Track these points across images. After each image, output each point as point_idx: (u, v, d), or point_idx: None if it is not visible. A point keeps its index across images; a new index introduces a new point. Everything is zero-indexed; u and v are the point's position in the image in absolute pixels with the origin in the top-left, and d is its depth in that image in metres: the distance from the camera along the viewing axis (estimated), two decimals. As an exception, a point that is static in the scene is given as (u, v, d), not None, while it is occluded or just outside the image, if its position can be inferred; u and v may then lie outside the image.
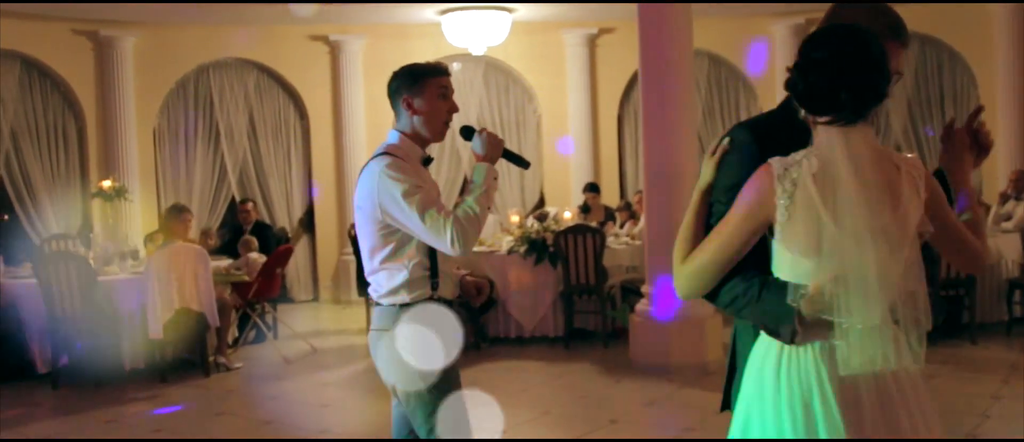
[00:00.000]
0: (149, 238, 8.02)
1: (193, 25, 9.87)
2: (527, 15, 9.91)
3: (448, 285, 2.84)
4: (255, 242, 8.12)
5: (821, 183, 1.69)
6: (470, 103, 10.63)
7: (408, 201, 2.65)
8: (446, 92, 2.85)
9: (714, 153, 1.91)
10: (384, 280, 2.77)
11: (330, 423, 5.52)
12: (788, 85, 1.77)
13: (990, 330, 7.17)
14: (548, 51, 10.72)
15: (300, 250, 10.65)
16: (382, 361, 2.81)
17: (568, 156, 10.86)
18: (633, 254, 7.91)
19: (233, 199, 10.23)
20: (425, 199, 2.68)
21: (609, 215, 9.57)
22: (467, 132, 2.92)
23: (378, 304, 2.81)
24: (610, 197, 10.57)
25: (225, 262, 7.84)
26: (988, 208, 8.25)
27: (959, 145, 2.06)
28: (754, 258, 1.78)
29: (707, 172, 1.91)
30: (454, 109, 2.87)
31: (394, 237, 2.74)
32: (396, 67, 2.90)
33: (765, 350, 1.79)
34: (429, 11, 9.59)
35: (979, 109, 2.15)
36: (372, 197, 2.72)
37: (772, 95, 9.65)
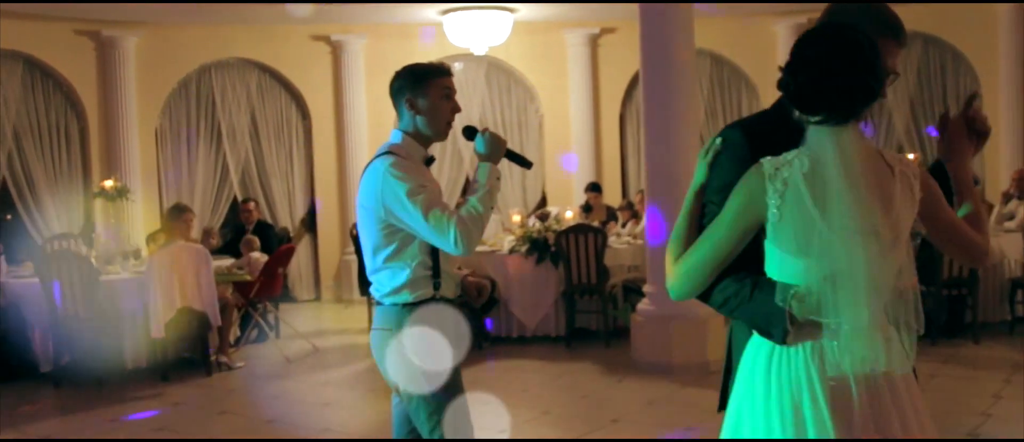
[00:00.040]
0: (151, 238, 8.03)
1: (195, 25, 9.88)
2: (529, 15, 9.91)
3: (450, 285, 2.84)
4: (257, 241, 8.13)
5: (812, 183, 1.68)
6: (472, 103, 10.63)
7: (412, 200, 2.66)
8: (449, 92, 2.86)
9: (707, 153, 1.91)
10: (387, 279, 2.78)
11: (332, 422, 5.52)
12: (780, 85, 1.77)
13: (992, 329, 7.16)
14: (550, 51, 10.72)
15: (302, 250, 10.66)
16: (385, 360, 2.81)
17: (571, 154, 10.86)
18: (635, 253, 7.91)
19: (235, 199, 10.24)
20: (429, 199, 2.68)
21: (611, 214, 9.57)
22: (470, 132, 2.92)
23: (380, 303, 2.82)
24: (612, 196, 10.57)
25: (227, 261, 7.85)
26: (991, 207, 8.23)
27: (956, 134, 2.04)
28: (748, 258, 1.78)
29: (700, 172, 1.91)
30: (457, 109, 2.88)
31: (397, 236, 2.74)
32: (398, 67, 2.90)
33: (756, 350, 1.79)
34: (431, 11, 9.59)
35: (973, 96, 2.14)
36: (376, 196, 2.72)
37: (775, 95, 9.64)
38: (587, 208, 9.47)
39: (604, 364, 6.68)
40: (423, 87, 2.81)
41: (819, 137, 1.72)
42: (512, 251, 7.60)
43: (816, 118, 1.72)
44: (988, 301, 7.29)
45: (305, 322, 8.86)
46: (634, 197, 9.84)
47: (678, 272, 1.83)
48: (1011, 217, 7.93)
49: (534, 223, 8.01)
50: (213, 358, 6.88)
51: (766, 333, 1.76)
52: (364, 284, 7.63)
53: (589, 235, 7.35)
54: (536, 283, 7.51)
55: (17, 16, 8.95)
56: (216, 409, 5.93)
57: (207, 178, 10.37)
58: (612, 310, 7.53)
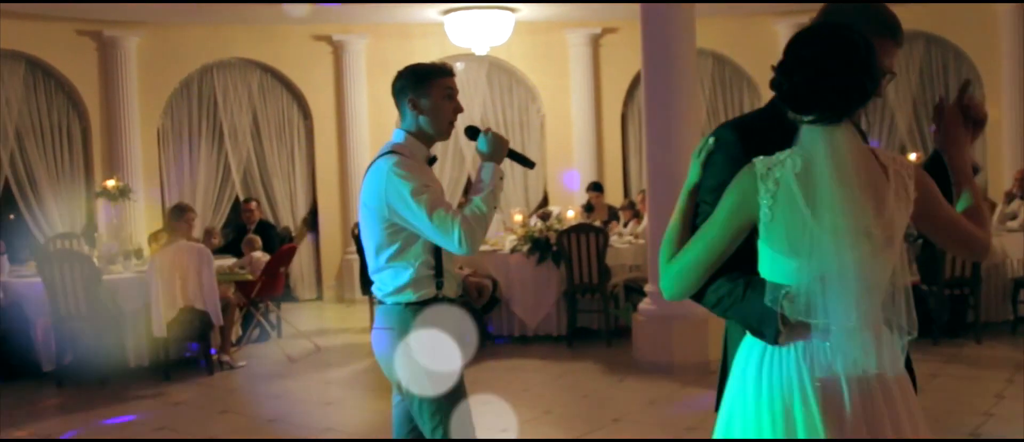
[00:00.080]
0: (153, 237, 8.04)
1: (196, 25, 9.89)
2: (530, 15, 9.91)
3: (452, 285, 2.85)
4: (259, 241, 8.14)
5: (804, 183, 1.67)
6: (474, 103, 10.63)
7: (417, 200, 2.66)
8: (451, 92, 2.86)
9: (700, 153, 1.91)
10: (389, 278, 2.78)
11: (333, 421, 5.52)
12: (773, 85, 1.75)
13: (995, 329, 7.15)
14: (551, 51, 10.72)
15: (304, 249, 10.67)
16: (388, 360, 2.81)
17: (572, 156, 10.85)
18: (636, 253, 7.91)
19: (237, 198, 10.25)
20: (433, 198, 2.69)
21: (612, 214, 9.57)
22: (472, 132, 2.93)
23: (382, 302, 2.82)
24: (614, 196, 10.57)
25: (229, 261, 7.86)
26: (994, 205, 8.22)
27: (952, 123, 2.02)
28: (741, 258, 1.77)
29: (694, 172, 1.90)
30: (459, 109, 2.88)
31: (400, 235, 2.75)
32: (399, 67, 2.91)
33: (749, 350, 1.78)
34: (432, 11, 9.59)
35: (967, 83, 2.11)
36: (380, 195, 2.72)
37: (776, 94, 9.63)
38: (589, 208, 9.47)
39: (605, 364, 6.68)
40: (425, 87, 2.82)
41: (812, 137, 1.70)
42: (514, 250, 7.60)
43: (809, 118, 1.71)
44: (990, 301, 7.28)
45: (307, 321, 8.86)
46: (636, 197, 9.84)
47: (671, 272, 1.82)
48: (1014, 217, 7.91)
49: (536, 222, 8.01)
50: (215, 357, 6.89)
51: (758, 333, 1.75)
52: (366, 283, 7.64)
53: (590, 235, 7.35)
54: (537, 282, 7.52)
55: (19, 16, 8.96)
56: (218, 408, 5.94)
57: (209, 178, 10.38)
58: (613, 310, 7.53)
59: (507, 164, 2.90)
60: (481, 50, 9.83)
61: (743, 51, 10.64)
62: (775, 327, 1.70)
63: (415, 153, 2.82)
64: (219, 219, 10.34)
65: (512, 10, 9.61)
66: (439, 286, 2.79)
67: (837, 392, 1.67)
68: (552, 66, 10.78)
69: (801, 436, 1.67)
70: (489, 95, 10.94)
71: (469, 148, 10.60)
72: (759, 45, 10.37)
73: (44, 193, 9.58)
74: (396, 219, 2.72)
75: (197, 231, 8.35)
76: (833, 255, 1.65)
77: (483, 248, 7.62)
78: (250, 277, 7.59)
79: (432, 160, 2.91)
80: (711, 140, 1.91)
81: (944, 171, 2.01)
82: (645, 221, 7.79)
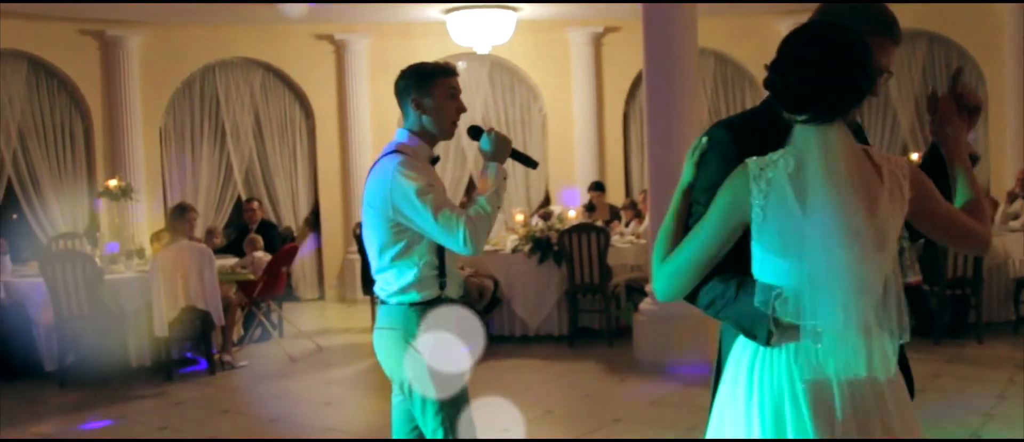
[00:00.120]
0: (155, 237, 8.05)
1: (198, 25, 9.90)
2: (532, 14, 9.90)
3: (454, 285, 2.85)
4: (260, 241, 8.15)
5: (797, 183, 1.66)
6: (475, 102, 10.62)
7: (422, 200, 2.67)
8: (454, 92, 2.87)
9: (694, 152, 1.89)
10: (393, 278, 2.78)
11: (335, 421, 5.53)
12: (766, 83, 1.74)
13: (997, 329, 7.13)
14: (553, 50, 10.71)
15: (312, 238, 10.68)
16: (393, 360, 2.81)
17: (574, 155, 10.85)
18: (637, 253, 7.91)
19: (239, 198, 10.26)
20: (439, 199, 2.69)
21: (614, 214, 9.57)
22: (475, 132, 2.93)
23: (384, 302, 2.82)
24: (615, 196, 10.56)
25: (231, 261, 7.87)
26: (996, 204, 8.20)
27: (946, 113, 2.00)
28: (735, 259, 1.76)
29: (687, 172, 1.89)
30: (462, 109, 2.89)
31: (405, 235, 2.75)
32: (401, 66, 2.91)
33: (741, 351, 1.78)
34: (434, 10, 9.59)
35: (959, 71, 2.09)
36: (385, 195, 2.73)
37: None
38: (590, 207, 9.47)
39: (607, 363, 6.68)
40: (428, 87, 2.82)
41: (805, 136, 1.69)
42: (515, 250, 7.60)
43: (802, 117, 1.70)
44: (992, 301, 7.26)
45: (308, 321, 8.87)
46: (637, 196, 9.84)
47: (664, 273, 1.81)
48: (1016, 216, 7.89)
49: (537, 222, 8.01)
50: (217, 357, 6.90)
51: (750, 334, 1.74)
52: (368, 283, 7.65)
53: (592, 234, 7.35)
54: (539, 282, 7.52)
55: (21, 16, 8.97)
56: (219, 408, 5.94)
57: (211, 177, 10.39)
58: (615, 309, 7.53)
59: (509, 164, 2.91)
60: (483, 49, 9.82)
61: (745, 50, 10.62)
62: (767, 328, 1.69)
63: (419, 153, 2.83)
64: (221, 219, 10.35)
65: (514, 9, 9.60)
66: (442, 286, 2.80)
67: (828, 394, 1.66)
68: (554, 65, 10.78)
69: (790, 435, 1.66)
70: (491, 94, 10.94)
71: (471, 148, 10.59)
72: (761, 44, 10.26)
73: (46, 193, 9.60)
74: (401, 219, 2.72)
75: (199, 231, 8.35)
76: (823, 255, 1.63)
77: (485, 248, 7.63)
78: (252, 277, 7.60)
79: (435, 160, 2.91)
80: (704, 140, 1.90)
81: (942, 164, 1.99)
82: (647, 221, 7.78)
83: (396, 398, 2.91)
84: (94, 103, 9.82)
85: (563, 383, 6.32)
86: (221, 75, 10.36)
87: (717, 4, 9.07)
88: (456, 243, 2.67)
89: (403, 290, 2.76)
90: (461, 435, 2.76)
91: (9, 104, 9.42)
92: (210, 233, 8.81)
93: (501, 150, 2.85)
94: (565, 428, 5.17)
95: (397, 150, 2.80)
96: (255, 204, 9.09)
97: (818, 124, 1.69)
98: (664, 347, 6.28)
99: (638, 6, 6.52)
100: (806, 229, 1.64)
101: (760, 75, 1.76)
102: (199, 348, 6.96)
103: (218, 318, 6.68)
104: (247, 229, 8.67)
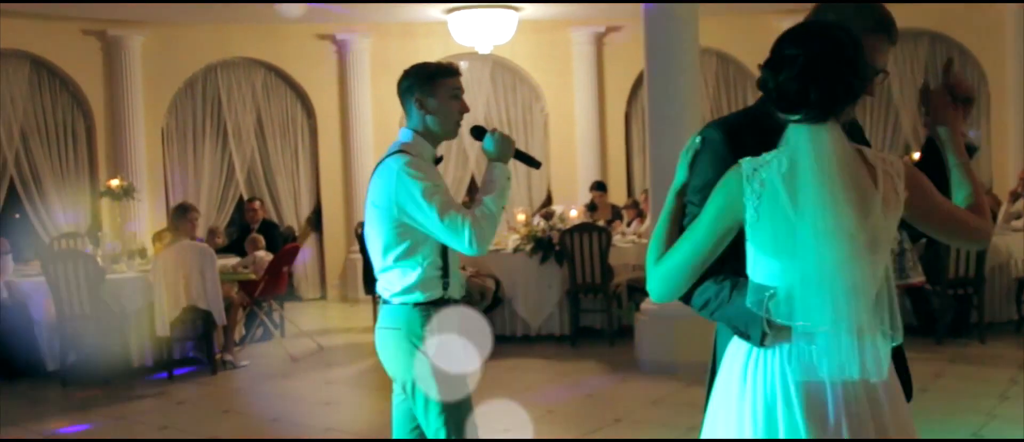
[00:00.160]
0: (157, 237, 8.06)
1: (200, 25, 9.90)
2: (534, 13, 9.89)
3: (457, 285, 2.86)
4: (262, 240, 8.15)
5: (789, 183, 1.65)
6: (477, 102, 10.62)
7: (428, 200, 2.67)
8: (458, 92, 2.88)
9: (688, 153, 1.89)
10: (397, 278, 2.78)
11: (336, 421, 5.53)
12: (759, 84, 1.73)
13: (999, 329, 7.12)
14: (555, 50, 10.71)
15: (307, 248, 10.68)
16: (393, 359, 2.81)
17: (576, 155, 10.84)
18: (639, 253, 7.89)
19: (241, 198, 10.27)
20: (445, 199, 2.70)
21: (616, 213, 9.56)
22: (478, 132, 2.93)
23: (387, 302, 2.82)
24: (617, 195, 10.56)
25: (232, 260, 7.87)
26: (999, 202, 8.19)
27: (940, 105, 1.98)
28: (730, 259, 1.75)
29: (681, 172, 1.89)
30: (465, 109, 2.90)
31: (409, 235, 2.75)
32: (403, 66, 2.91)
33: (735, 351, 1.77)
34: (436, 9, 9.59)
35: (950, 61, 2.07)
36: (390, 195, 2.73)
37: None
38: (592, 207, 9.46)
39: (608, 363, 6.67)
40: (432, 87, 2.83)
41: (798, 136, 1.68)
42: (516, 250, 7.60)
43: (795, 117, 1.69)
44: (995, 300, 7.24)
45: (310, 321, 8.88)
46: (639, 196, 9.83)
47: (658, 274, 1.80)
48: (1018, 216, 7.88)
49: (538, 222, 8.00)
50: (218, 356, 6.90)
51: (744, 335, 1.73)
52: (369, 283, 7.65)
53: (593, 234, 7.34)
54: (540, 282, 7.51)
55: (23, 16, 8.99)
56: (220, 408, 5.95)
57: (213, 177, 10.40)
58: (616, 309, 7.53)
59: (511, 163, 2.91)
60: (484, 49, 9.82)
61: (746, 49, 10.60)
62: (760, 329, 1.68)
63: (422, 152, 2.83)
64: (223, 218, 10.36)
65: (515, 9, 9.60)
66: (446, 287, 2.81)
67: (821, 395, 1.65)
68: (556, 65, 10.77)
69: (782, 436, 1.65)
70: (492, 94, 10.94)
71: (473, 148, 10.59)
72: (763, 43, 10.07)
73: (48, 192, 9.61)
74: (406, 219, 2.73)
75: (201, 230, 8.36)
76: (815, 256, 1.62)
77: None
78: (253, 276, 7.60)
79: (438, 160, 2.92)
80: (698, 139, 1.89)
81: (940, 157, 1.97)
82: (648, 220, 7.78)
83: (397, 398, 2.91)
84: (96, 103, 9.83)
85: (564, 383, 6.31)
86: (223, 75, 10.37)
87: (718, 4, 9.06)
88: (461, 244, 2.67)
89: (407, 290, 2.76)
90: (461, 434, 2.76)
91: (11, 104, 9.44)
92: (212, 233, 8.82)
93: (505, 150, 2.86)
94: (566, 428, 5.17)
95: (401, 150, 2.80)
96: (257, 204, 9.10)
97: (811, 124, 1.68)
98: (666, 347, 6.27)
99: (639, 5, 6.51)
100: (798, 229, 1.64)
101: (761, 75, 1.74)
102: (201, 348, 6.96)
103: (220, 318, 6.68)
104: (249, 229, 8.67)
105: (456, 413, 2.75)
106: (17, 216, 9.72)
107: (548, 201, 10.76)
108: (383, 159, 2.83)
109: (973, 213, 1.85)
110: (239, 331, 7.55)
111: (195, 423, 5.60)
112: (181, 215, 6.84)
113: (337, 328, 8.85)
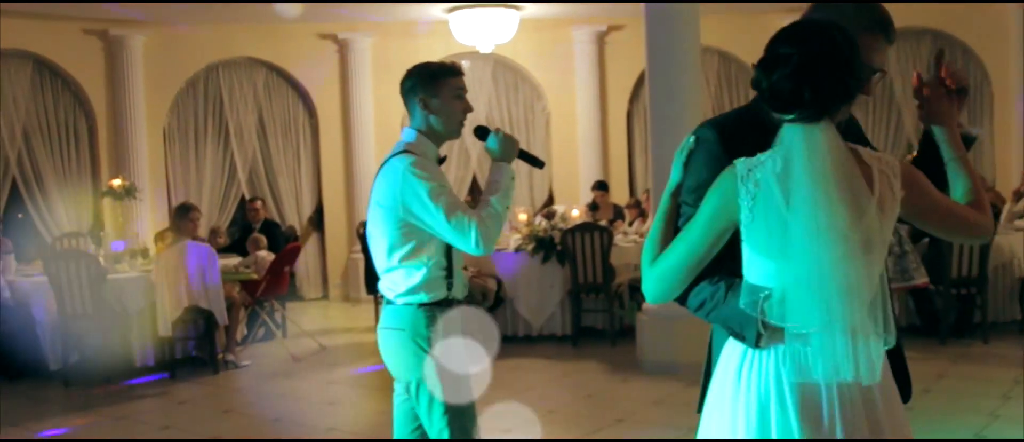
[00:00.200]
0: (159, 237, 8.06)
1: (202, 24, 9.91)
2: (535, 12, 9.88)
3: (460, 286, 2.86)
4: (264, 240, 8.15)
5: (784, 184, 1.64)
6: (479, 101, 10.61)
7: (435, 200, 2.67)
8: (461, 92, 2.88)
9: (682, 152, 1.87)
10: (401, 279, 2.78)
11: (338, 421, 5.53)
12: (753, 83, 1.72)
13: (1002, 329, 7.10)
14: (557, 49, 10.69)
15: (309, 248, 10.68)
16: (397, 360, 2.81)
17: (578, 154, 10.83)
18: (641, 253, 7.87)
19: (243, 197, 10.27)
20: (451, 199, 2.70)
21: (618, 213, 9.55)
22: (482, 132, 2.93)
23: (390, 303, 2.81)
24: (619, 195, 10.54)
25: (234, 260, 7.87)
26: (1003, 199, 8.16)
27: (934, 97, 1.96)
28: (726, 260, 1.74)
29: (675, 172, 1.87)
30: (469, 108, 2.90)
31: (414, 236, 2.75)
32: (405, 65, 2.91)
33: (731, 353, 1.76)
34: (437, 9, 9.58)
35: (941, 52, 2.05)
36: (396, 195, 2.73)
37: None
38: (594, 206, 9.45)
39: (610, 363, 6.67)
40: (436, 87, 2.82)
41: (791, 135, 1.67)
42: (518, 250, 7.59)
43: (789, 116, 1.68)
44: (998, 300, 7.22)
45: (312, 320, 8.88)
46: (641, 195, 9.82)
47: (653, 275, 1.79)
48: (1022, 215, 7.85)
49: (540, 221, 8.00)
50: (220, 356, 6.91)
51: (739, 336, 1.73)
52: (371, 283, 7.65)
53: (595, 234, 7.34)
54: (542, 282, 7.51)
55: (26, 16, 9.00)
56: (222, 407, 5.95)
57: (215, 177, 10.41)
58: (618, 309, 7.52)
59: (514, 163, 2.91)
60: (486, 48, 9.81)
61: (748, 48, 10.46)
62: (755, 330, 1.67)
63: (426, 152, 2.83)
64: (225, 218, 10.36)
65: (517, 8, 9.59)
66: (450, 287, 2.81)
67: (816, 397, 1.64)
68: (557, 64, 10.76)
69: (774, 436, 1.65)
70: (494, 93, 10.93)
71: (474, 147, 10.59)
72: (764, 42, 10.21)
73: (50, 192, 9.62)
74: (411, 219, 2.72)
75: (203, 230, 8.36)
76: (808, 256, 1.61)
77: (487, 247, 7.63)
78: (255, 276, 7.60)
79: (441, 160, 2.92)
80: (691, 139, 1.88)
81: (938, 152, 1.95)
82: (650, 220, 7.76)
83: (398, 398, 2.91)
84: (98, 102, 9.84)
85: (566, 383, 6.31)
86: (225, 74, 10.37)
87: (720, 2, 9.05)
88: (468, 244, 2.68)
89: (412, 291, 2.76)
90: (464, 434, 2.76)
91: (14, 104, 9.45)
92: (214, 232, 8.82)
93: (509, 150, 2.86)
94: (568, 428, 5.16)
95: (406, 150, 2.80)
96: (258, 203, 9.10)
97: (805, 123, 1.66)
98: (667, 347, 6.26)
99: (640, 4, 6.50)
100: (791, 229, 1.62)
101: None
102: (203, 348, 6.97)
103: (221, 318, 6.69)
104: (251, 228, 8.67)
105: (460, 414, 2.75)
106: (21, 216, 9.73)
107: (550, 201, 10.75)
108: (388, 159, 2.82)
109: (972, 208, 1.83)
110: (241, 331, 7.55)
111: (197, 423, 5.60)
112: (183, 215, 6.84)
113: (339, 328, 8.85)
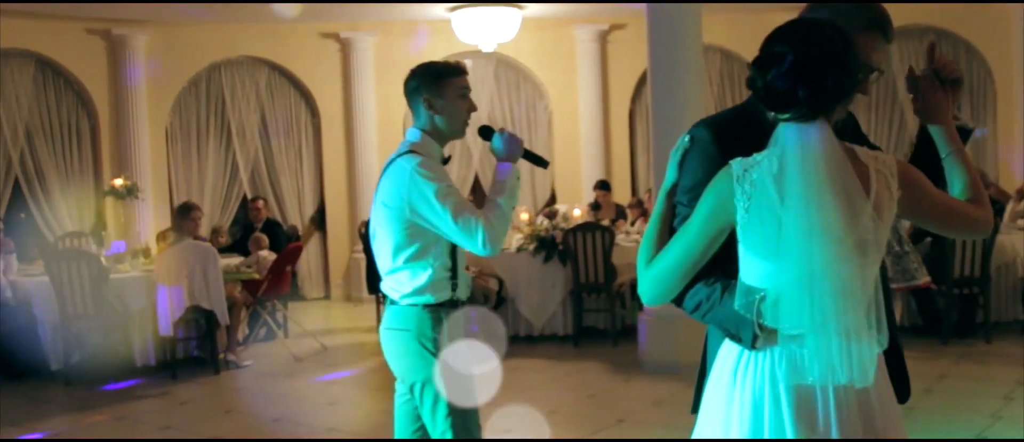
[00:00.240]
0: (160, 236, 8.06)
1: (204, 23, 9.91)
2: (538, 11, 9.87)
3: (464, 286, 2.86)
4: (265, 240, 8.15)
5: (780, 184, 1.63)
6: (481, 100, 10.60)
7: (441, 201, 2.67)
8: (465, 91, 2.88)
9: (677, 152, 1.86)
10: (406, 279, 2.77)
11: (339, 421, 5.53)
12: (749, 81, 1.71)
13: (1005, 329, 7.08)
14: (559, 47, 10.68)
15: (311, 248, 10.68)
16: (401, 360, 2.81)
17: (580, 153, 10.82)
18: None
19: (244, 197, 10.27)
20: (458, 200, 2.70)
21: (620, 212, 9.54)
22: (486, 132, 2.92)
23: (394, 303, 2.81)
24: (622, 194, 10.53)
25: (236, 260, 7.87)
26: (1006, 195, 8.14)
27: (928, 90, 1.95)
28: (722, 261, 1.73)
29: (671, 172, 1.86)
30: (473, 108, 2.90)
31: (420, 237, 2.75)
32: (407, 65, 2.91)
33: (726, 354, 1.75)
34: (439, 8, 9.57)
35: (933, 45, 2.04)
36: (402, 195, 2.72)
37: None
38: (596, 206, 9.44)
39: (611, 363, 6.66)
40: (440, 86, 2.82)
41: (786, 134, 1.66)
42: (520, 249, 7.58)
43: (784, 115, 1.67)
44: (1000, 300, 7.20)
45: (314, 320, 8.88)
46: (643, 195, 9.80)
47: (649, 277, 1.78)
48: (1024, 215, 7.84)
49: (542, 221, 7.99)
50: (221, 356, 6.91)
51: (735, 337, 1.72)
52: (373, 282, 7.65)
53: (597, 233, 7.32)
54: (544, 282, 7.50)
55: (29, 15, 9.01)
56: (223, 407, 5.95)
57: (217, 176, 10.41)
58: (620, 309, 7.50)
59: (518, 163, 2.90)
60: (488, 47, 9.80)
61: (751, 47, 10.29)
62: (751, 332, 1.67)
63: (431, 152, 2.83)
64: (226, 217, 10.37)
65: (519, 7, 9.58)
66: (454, 288, 2.81)
67: (811, 398, 1.64)
68: (559, 63, 10.75)
69: (768, 437, 1.64)
70: (496, 92, 10.92)
71: (476, 147, 10.58)
72: (768, 41, 10.30)
73: (53, 191, 9.63)
74: (417, 220, 2.72)
75: (204, 229, 8.36)
76: (801, 258, 1.60)
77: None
78: (256, 276, 7.60)
79: (446, 159, 2.91)
80: (686, 139, 1.87)
81: (934, 152, 1.94)
82: (652, 219, 7.74)
83: (400, 398, 2.90)
84: (100, 102, 9.85)
85: (567, 383, 6.30)
86: (227, 74, 10.37)
87: (722, 1, 9.03)
88: (475, 245, 2.67)
89: (417, 292, 2.76)
90: (465, 434, 2.76)
91: (16, 103, 9.46)
92: (215, 232, 8.82)
93: (513, 150, 2.86)
94: (569, 428, 5.16)
95: (412, 150, 2.79)
96: (260, 203, 9.10)
97: (800, 122, 1.65)
98: (669, 347, 6.24)
99: (642, 3, 6.49)
100: (785, 230, 1.61)
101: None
102: (204, 348, 6.97)
103: (223, 318, 6.69)
104: (252, 228, 8.67)
105: (464, 415, 2.75)
106: (23, 215, 9.74)
107: (552, 200, 10.74)
108: (393, 159, 2.81)
109: (972, 203, 1.82)
110: (242, 331, 7.55)
111: (198, 423, 5.60)
112: (184, 214, 6.84)
113: (340, 328, 8.84)
